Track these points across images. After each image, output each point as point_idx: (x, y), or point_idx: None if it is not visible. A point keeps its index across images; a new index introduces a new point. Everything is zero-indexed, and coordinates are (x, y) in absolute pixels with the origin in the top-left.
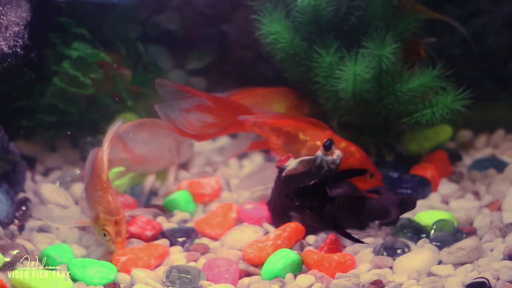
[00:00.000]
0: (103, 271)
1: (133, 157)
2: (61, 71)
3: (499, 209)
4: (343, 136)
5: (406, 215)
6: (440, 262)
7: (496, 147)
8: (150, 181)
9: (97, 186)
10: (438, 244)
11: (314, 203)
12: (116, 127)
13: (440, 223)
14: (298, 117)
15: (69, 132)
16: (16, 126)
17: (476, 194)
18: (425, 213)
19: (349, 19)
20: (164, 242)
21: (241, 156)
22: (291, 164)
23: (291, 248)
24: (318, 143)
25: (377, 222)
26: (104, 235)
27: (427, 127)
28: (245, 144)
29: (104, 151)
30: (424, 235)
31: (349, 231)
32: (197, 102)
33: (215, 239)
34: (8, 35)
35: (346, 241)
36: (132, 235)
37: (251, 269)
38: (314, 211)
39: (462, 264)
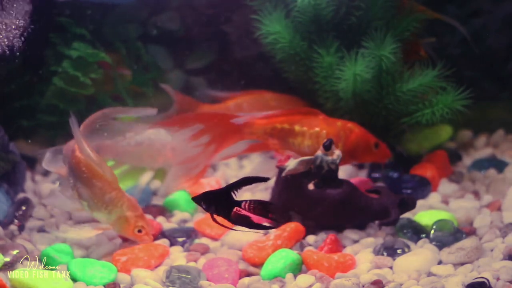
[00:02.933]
0: (103, 271)
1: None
2: (61, 71)
3: (499, 209)
4: None
5: (406, 215)
6: (440, 262)
7: (496, 147)
8: (146, 178)
9: (105, 189)
10: (438, 244)
11: (220, 207)
12: (75, 125)
13: (440, 223)
14: (286, 110)
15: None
16: (16, 126)
17: (476, 194)
18: (425, 213)
19: (349, 19)
20: (164, 242)
21: (241, 156)
22: (291, 164)
23: (291, 248)
24: (317, 129)
25: (377, 222)
26: (139, 231)
27: (427, 127)
28: (242, 147)
29: (89, 153)
30: (424, 235)
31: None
32: (190, 133)
33: (215, 239)
34: (8, 34)
35: (346, 241)
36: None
37: (251, 269)
38: (220, 214)
39: (462, 264)
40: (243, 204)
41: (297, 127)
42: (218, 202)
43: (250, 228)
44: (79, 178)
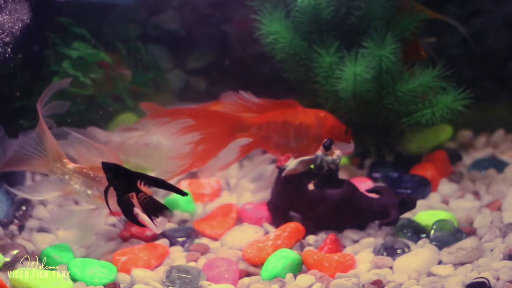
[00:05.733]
0: (103, 271)
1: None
2: (61, 71)
3: (499, 209)
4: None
5: (406, 215)
6: (440, 262)
7: (496, 147)
8: None
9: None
10: (438, 244)
11: (121, 184)
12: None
13: (440, 223)
14: (269, 103)
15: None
16: (16, 126)
17: (476, 194)
18: (425, 213)
19: (349, 19)
20: (164, 242)
21: None
22: (291, 164)
23: (291, 248)
24: (299, 120)
25: (377, 222)
26: None
27: (427, 127)
28: (235, 153)
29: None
30: (424, 235)
31: None
32: (179, 125)
33: (215, 239)
34: (7, 35)
35: (346, 241)
36: (132, 235)
37: (251, 269)
38: (117, 189)
39: (462, 264)
40: (140, 194)
41: (283, 120)
42: (122, 180)
43: (125, 216)
44: (93, 182)
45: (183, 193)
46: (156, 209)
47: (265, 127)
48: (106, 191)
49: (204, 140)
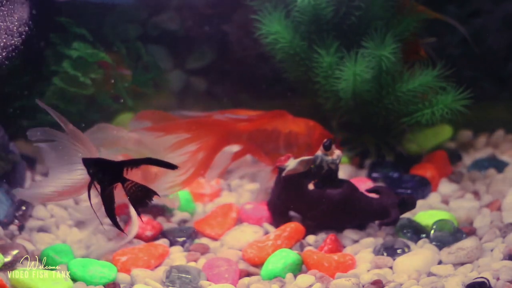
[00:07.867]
0: (103, 271)
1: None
2: (61, 71)
3: (499, 209)
4: (344, 136)
5: (406, 215)
6: (440, 262)
7: (496, 147)
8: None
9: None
10: (438, 244)
11: (107, 177)
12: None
13: (440, 223)
14: (261, 113)
15: None
16: (16, 126)
17: (476, 194)
18: (425, 213)
19: (349, 19)
20: (164, 242)
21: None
22: (291, 164)
23: (291, 248)
24: (289, 129)
25: (377, 222)
26: None
27: (427, 127)
28: (228, 158)
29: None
30: (424, 235)
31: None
32: (173, 140)
33: (215, 239)
34: (7, 35)
35: (346, 241)
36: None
37: (251, 269)
38: (102, 184)
39: (462, 264)
40: (127, 183)
41: (273, 128)
42: (107, 172)
43: (106, 212)
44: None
45: (173, 167)
46: (145, 195)
47: (255, 134)
48: (89, 188)
49: (201, 149)
